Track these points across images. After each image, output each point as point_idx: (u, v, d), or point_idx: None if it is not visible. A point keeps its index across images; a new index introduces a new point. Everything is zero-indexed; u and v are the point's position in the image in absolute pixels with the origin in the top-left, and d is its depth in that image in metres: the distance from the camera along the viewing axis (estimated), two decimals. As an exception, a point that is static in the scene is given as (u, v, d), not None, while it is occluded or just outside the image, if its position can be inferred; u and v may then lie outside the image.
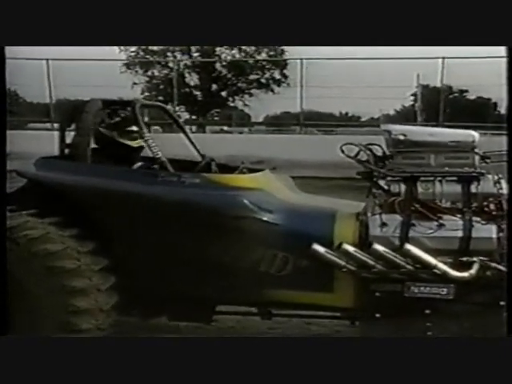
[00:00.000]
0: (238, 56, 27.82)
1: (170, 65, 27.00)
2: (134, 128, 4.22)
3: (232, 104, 28.82)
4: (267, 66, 28.36)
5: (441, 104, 16.86)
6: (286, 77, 26.76)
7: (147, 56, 27.82)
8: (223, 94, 29.06)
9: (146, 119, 14.19)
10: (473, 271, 3.58)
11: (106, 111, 4.21)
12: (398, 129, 3.84)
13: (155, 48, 27.27)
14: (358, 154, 3.93)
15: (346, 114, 26.75)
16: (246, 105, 28.25)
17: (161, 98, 25.38)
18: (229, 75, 28.77)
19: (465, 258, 3.62)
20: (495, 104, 25.70)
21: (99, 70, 18.53)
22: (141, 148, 4.28)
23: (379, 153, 3.95)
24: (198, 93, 28.78)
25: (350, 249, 3.63)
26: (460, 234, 3.63)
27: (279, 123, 24.59)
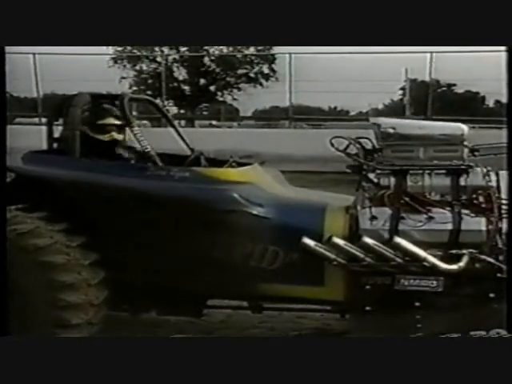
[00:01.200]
0: (225, 50, 27.79)
1: (158, 59, 26.93)
2: (105, 122, 4.18)
3: (221, 98, 28.78)
4: (255, 61, 28.33)
5: (429, 98, 16.91)
6: (274, 71, 26.75)
7: (135, 50, 27.74)
8: (212, 88, 29.01)
9: (135, 113, 14.14)
10: (462, 264, 3.59)
11: (82, 108, 4.15)
12: (387, 122, 3.84)
13: (143, 42, 27.09)
14: (347, 147, 3.94)
15: (335, 108, 26.76)
16: (234, 99, 28.24)
17: (149, 92, 25.31)
18: (217, 69, 28.72)
19: (454, 251, 3.63)
20: (483, 98, 25.79)
21: (87, 65, 18.45)
22: (114, 142, 4.23)
23: (368, 146, 3.95)
24: (186, 87, 28.72)
25: (340, 242, 3.63)
26: (449, 226, 3.64)
27: (268, 117, 24.60)
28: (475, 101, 26.37)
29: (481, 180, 3.72)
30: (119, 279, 3.72)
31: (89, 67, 18.69)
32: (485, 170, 3.75)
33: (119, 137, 4.20)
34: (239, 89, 28.51)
